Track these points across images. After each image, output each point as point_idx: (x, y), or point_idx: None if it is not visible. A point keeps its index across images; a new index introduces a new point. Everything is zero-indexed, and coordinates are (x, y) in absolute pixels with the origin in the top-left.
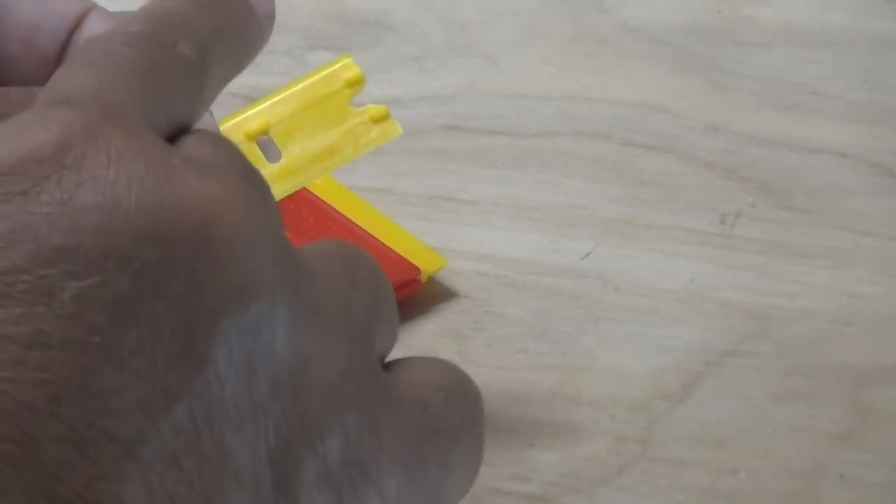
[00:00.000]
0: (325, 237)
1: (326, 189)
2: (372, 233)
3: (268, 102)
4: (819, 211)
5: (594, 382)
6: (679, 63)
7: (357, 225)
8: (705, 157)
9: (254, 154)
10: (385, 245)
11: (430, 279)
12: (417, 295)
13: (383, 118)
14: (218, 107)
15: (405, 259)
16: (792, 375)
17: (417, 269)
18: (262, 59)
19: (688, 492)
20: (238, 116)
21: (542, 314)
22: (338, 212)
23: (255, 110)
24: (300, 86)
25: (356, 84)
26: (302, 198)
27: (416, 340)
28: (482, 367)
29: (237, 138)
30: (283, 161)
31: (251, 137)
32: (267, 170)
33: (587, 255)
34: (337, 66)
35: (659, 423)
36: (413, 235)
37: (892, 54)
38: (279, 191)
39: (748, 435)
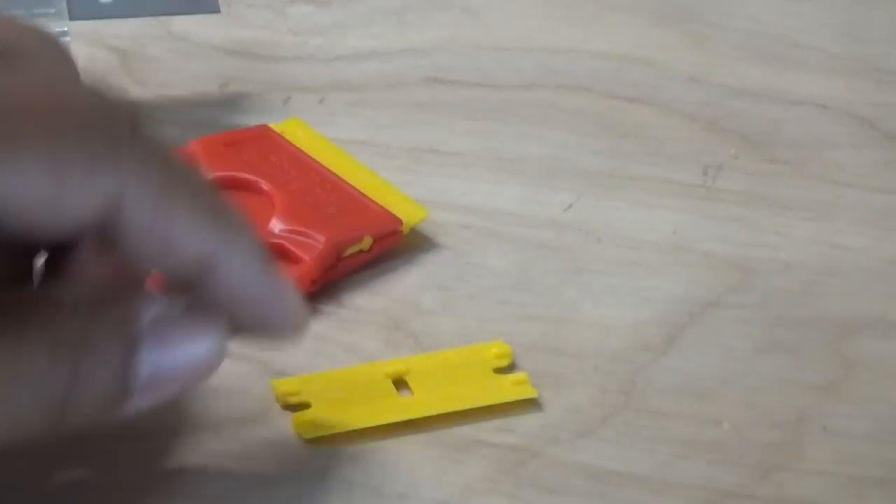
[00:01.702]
0: (307, 189)
1: (308, 141)
2: (353, 185)
3: (413, 355)
4: (801, 163)
5: (577, 334)
6: (660, 15)
7: (338, 177)
8: (687, 109)
9: (387, 388)
10: (367, 197)
11: (413, 231)
12: (400, 246)
13: (521, 383)
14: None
15: (387, 211)
16: (775, 327)
17: (399, 221)
18: (243, 12)
19: (671, 443)
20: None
21: (525, 266)
22: (319, 164)
23: (402, 359)
24: (449, 351)
25: (502, 358)
26: (284, 150)
27: (399, 291)
28: (465, 319)
29: (376, 376)
30: (412, 397)
31: (390, 377)
32: (395, 400)
33: (569, 206)
34: (489, 345)
35: (642, 375)
36: (395, 187)
37: (873, 6)
38: (399, 416)
39: (731, 386)
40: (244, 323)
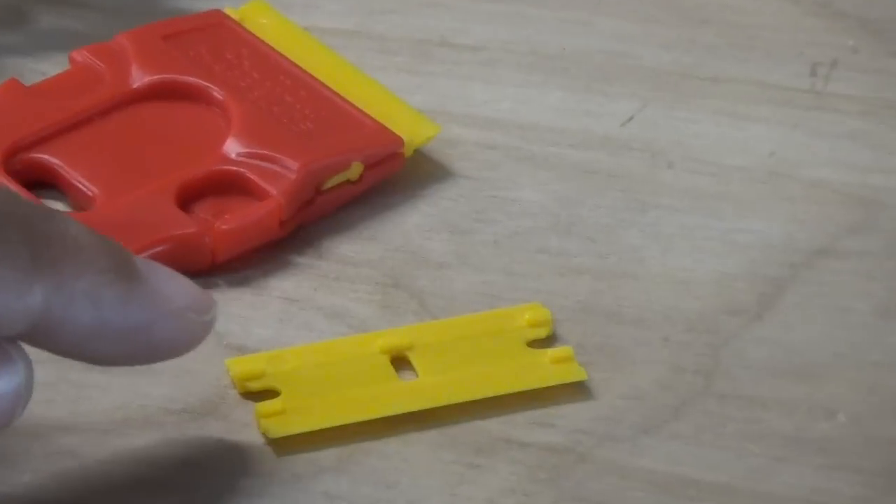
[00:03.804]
0: (274, 97)
1: (276, 32)
2: (337, 91)
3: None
4: None
5: (640, 293)
6: None
7: (317, 80)
8: None
9: (383, 368)
10: (355, 107)
11: (418, 153)
12: (401, 175)
13: (565, 361)
14: None
15: (383, 126)
16: None
17: (400, 140)
18: None
19: (766, 441)
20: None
21: (570, 201)
22: (291, 62)
23: (403, 328)
24: (467, 318)
25: (539, 327)
26: (243, 44)
27: (399, 237)
28: (487, 273)
29: (369, 352)
30: (416, 381)
31: (387, 353)
32: (393, 385)
33: (630, 119)
34: (521, 308)
35: (728, 349)
36: (394, 94)
37: None
38: (399, 407)
39: (848, 364)
40: (117, 359)
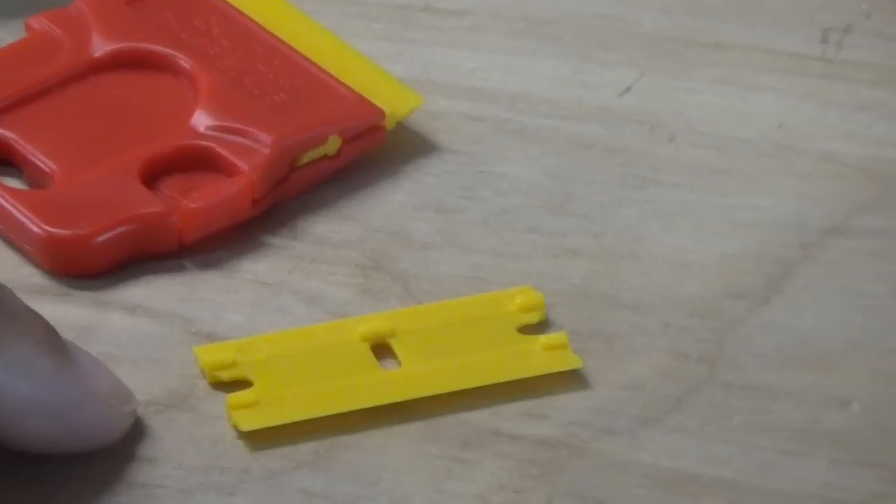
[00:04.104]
0: (246, 66)
1: None
2: (315, 60)
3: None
4: None
5: (639, 276)
6: None
7: (292, 48)
8: None
9: (363, 357)
10: (333, 77)
11: (400, 126)
12: (382, 150)
13: (559, 348)
14: None
15: (363, 98)
16: None
17: (381, 112)
18: None
19: (775, 433)
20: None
21: (563, 176)
22: (265, 30)
23: (385, 313)
24: (453, 302)
25: (531, 311)
26: (213, 8)
27: (380, 216)
28: (475, 254)
29: (348, 339)
30: (399, 370)
31: (368, 340)
32: (375, 375)
33: (627, 89)
34: (511, 292)
35: (733, 335)
36: (374, 63)
37: None
38: (381, 398)
39: (863, 350)
40: (45, 441)
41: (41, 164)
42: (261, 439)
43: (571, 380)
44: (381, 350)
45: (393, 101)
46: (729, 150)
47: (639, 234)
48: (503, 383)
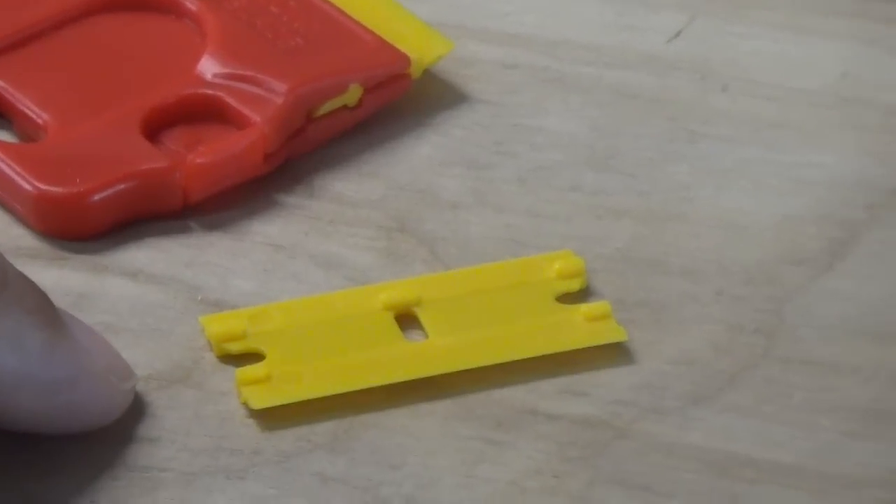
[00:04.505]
0: (257, 6)
1: None
2: (333, 1)
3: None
4: None
5: (689, 239)
6: None
7: None
8: None
9: (386, 327)
10: (354, 21)
11: (427, 74)
12: (406, 99)
13: (601, 318)
14: None
15: (386, 43)
16: None
17: (406, 59)
18: None
19: (838, 413)
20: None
21: (606, 130)
22: None
23: (410, 279)
24: (485, 267)
25: (570, 278)
26: None
27: (405, 173)
28: (509, 214)
29: (370, 308)
30: (425, 342)
31: (391, 309)
32: (398, 347)
33: (677, 34)
34: (549, 256)
35: (793, 305)
36: (399, 4)
37: None
38: (406, 373)
39: None
40: (37, 419)
41: (33, 115)
42: (273, 418)
43: (615, 354)
44: (406, 320)
45: (419, 47)
46: (787, 101)
47: (689, 194)
48: (540, 357)
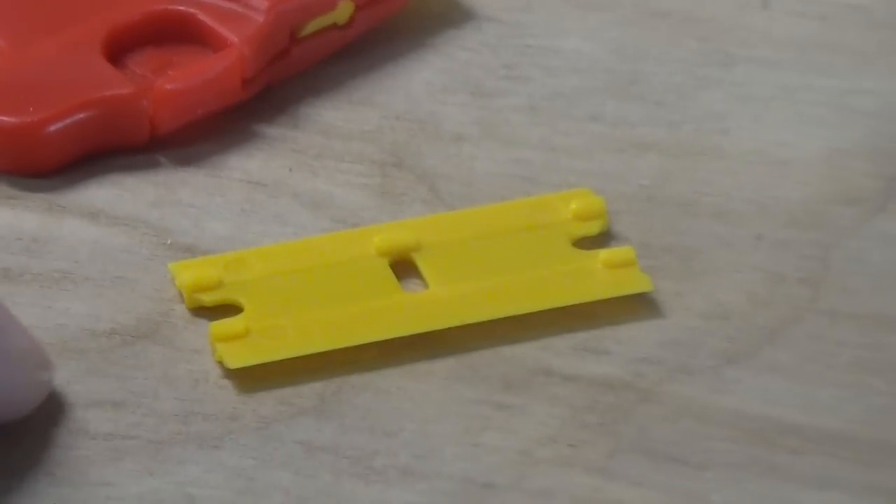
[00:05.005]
0: None
1: None
2: None
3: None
4: None
5: (724, 176)
6: None
7: None
8: None
9: (381, 275)
10: None
11: None
12: (404, 16)
13: (624, 265)
14: None
15: None
16: None
17: None
18: None
19: (893, 373)
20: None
21: (631, 52)
22: None
23: (407, 221)
24: (492, 207)
25: (588, 219)
26: None
27: (401, 101)
28: (520, 147)
29: (362, 253)
30: (425, 293)
31: (386, 255)
32: (394, 299)
33: None
34: (565, 195)
35: (841, 250)
36: None
37: None
38: (403, 328)
39: None
40: None
41: None
42: (252, 379)
43: (639, 306)
44: (403, 268)
45: None
46: (837, 19)
47: (724, 125)
48: (554, 310)
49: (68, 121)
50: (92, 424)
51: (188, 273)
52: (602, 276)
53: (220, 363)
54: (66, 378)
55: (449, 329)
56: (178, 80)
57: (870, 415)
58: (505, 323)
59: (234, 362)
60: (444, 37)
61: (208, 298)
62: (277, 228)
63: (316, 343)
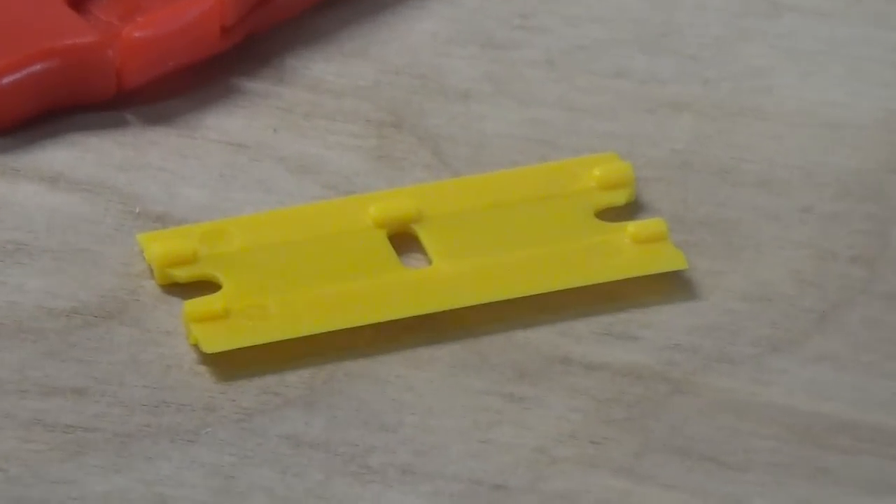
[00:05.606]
0: None
1: None
2: None
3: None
4: None
5: (767, 141)
6: None
7: None
8: None
9: (379, 249)
10: None
11: None
12: None
13: (655, 240)
14: None
15: None
16: None
17: None
18: None
19: None
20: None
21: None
22: None
23: (408, 188)
24: (505, 173)
25: (614, 188)
26: None
27: (401, 53)
28: (536, 107)
29: (358, 224)
30: (428, 269)
31: (384, 226)
32: (393, 276)
33: None
34: (588, 160)
35: None
36: None
37: None
38: (402, 309)
39: None
40: None
41: None
42: (232, 365)
43: (671, 286)
44: (403, 240)
45: None
46: None
47: (767, 82)
48: (575, 290)
49: (24, 72)
50: (50, 415)
51: (159, 245)
52: (629, 252)
53: (196, 347)
54: (21, 362)
55: (454, 310)
56: (147, 28)
57: None
58: (518, 304)
59: (211, 346)
60: None
61: (182, 274)
62: (260, 196)
63: (304, 325)
